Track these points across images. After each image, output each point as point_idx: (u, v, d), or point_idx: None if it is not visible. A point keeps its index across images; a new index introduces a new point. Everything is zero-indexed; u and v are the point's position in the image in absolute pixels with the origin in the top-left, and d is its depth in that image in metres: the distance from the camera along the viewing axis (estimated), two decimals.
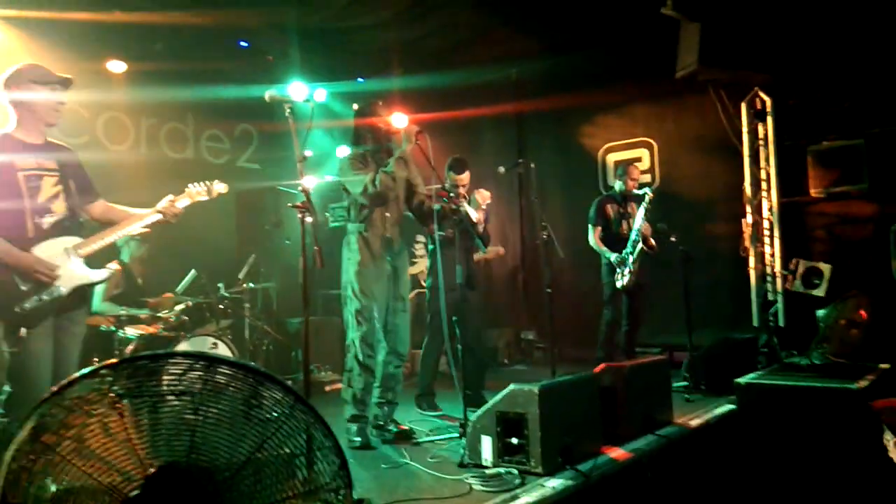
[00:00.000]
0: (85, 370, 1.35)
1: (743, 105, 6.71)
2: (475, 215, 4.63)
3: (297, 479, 1.42)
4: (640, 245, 5.61)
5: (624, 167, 6.07)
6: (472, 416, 3.47)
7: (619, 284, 5.73)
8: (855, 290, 5.15)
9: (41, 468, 1.31)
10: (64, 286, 3.02)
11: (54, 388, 1.34)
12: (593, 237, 5.88)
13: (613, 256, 5.69)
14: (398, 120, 4.07)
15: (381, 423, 4.12)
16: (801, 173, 6.42)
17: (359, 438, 3.93)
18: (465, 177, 4.95)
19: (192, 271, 5.70)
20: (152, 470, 1.35)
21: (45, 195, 3.06)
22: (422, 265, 6.55)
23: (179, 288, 5.60)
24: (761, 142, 6.73)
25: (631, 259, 5.63)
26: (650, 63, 6.78)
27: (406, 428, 4.12)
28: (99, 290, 5.21)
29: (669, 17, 5.69)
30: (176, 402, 1.34)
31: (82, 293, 3.15)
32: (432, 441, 4.00)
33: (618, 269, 5.72)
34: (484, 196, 4.71)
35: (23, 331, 2.88)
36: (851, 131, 6.17)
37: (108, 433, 1.33)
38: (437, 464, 3.47)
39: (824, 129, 6.32)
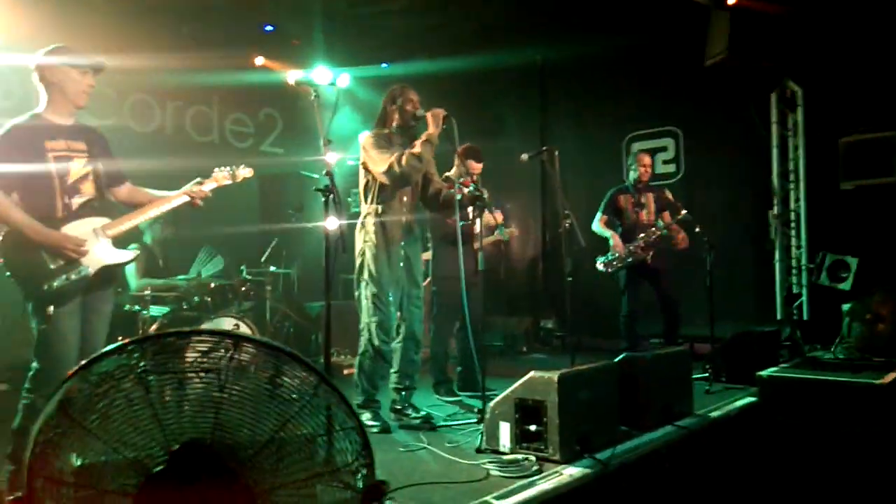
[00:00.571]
0: (112, 346, 1.37)
1: (772, 95, 6.61)
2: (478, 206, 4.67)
3: (319, 458, 1.43)
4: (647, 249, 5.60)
5: (634, 156, 6.03)
6: (489, 403, 3.48)
7: (599, 266, 5.75)
8: (882, 284, 5.06)
9: (67, 442, 1.34)
10: (91, 266, 3.07)
11: (82, 363, 1.36)
12: (597, 222, 5.89)
13: (612, 240, 5.68)
14: (425, 105, 4.07)
15: (399, 407, 4.13)
16: (831, 165, 6.31)
17: (376, 423, 3.93)
18: (481, 166, 4.93)
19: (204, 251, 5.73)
20: (176, 446, 1.37)
21: (75, 176, 3.11)
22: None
23: (201, 270, 5.64)
24: (790, 132, 6.63)
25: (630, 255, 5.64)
26: (678, 51, 6.69)
27: (424, 413, 4.14)
28: (131, 269, 5.29)
29: (699, 4, 5.61)
30: (201, 380, 1.36)
31: (109, 273, 3.19)
32: (450, 426, 4.02)
33: (609, 253, 5.71)
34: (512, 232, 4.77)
35: (50, 309, 2.93)
36: (884, 123, 6.06)
37: (134, 409, 1.36)
38: (455, 449, 3.48)
39: (855, 121, 6.20)
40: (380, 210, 4.00)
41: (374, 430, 3.88)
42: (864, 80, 6.03)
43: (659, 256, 5.68)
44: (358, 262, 4.06)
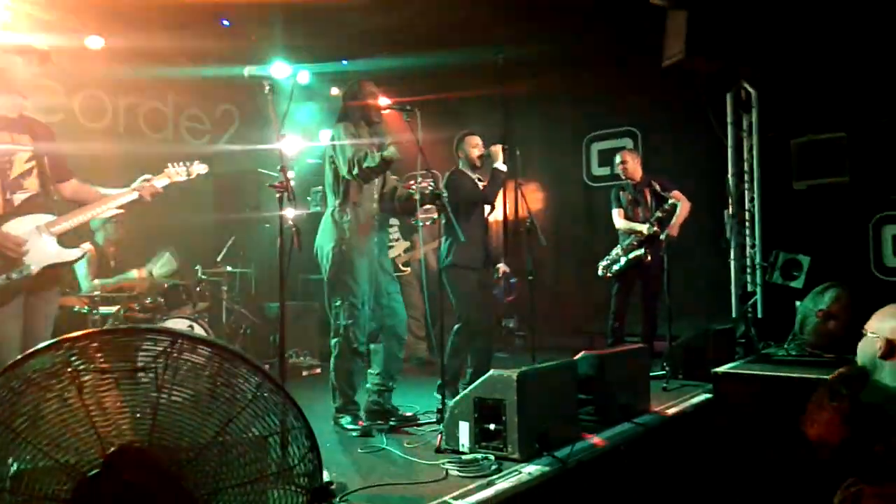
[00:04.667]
0: (44, 343, 1.30)
1: (728, 96, 6.72)
2: (504, 167, 4.64)
3: (265, 461, 1.38)
4: (639, 250, 5.58)
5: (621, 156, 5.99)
6: (450, 402, 3.46)
7: (599, 271, 5.74)
8: (833, 282, 5.17)
9: None
10: (34, 265, 2.95)
11: (10, 362, 1.29)
12: (618, 218, 5.79)
13: (645, 227, 5.55)
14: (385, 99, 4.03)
15: (378, 409, 4.00)
16: (784, 165, 6.45)
17: (356, 427, 3.81)
18: (477, 139, 4.81)
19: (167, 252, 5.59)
20: (112, 449, 1.30)
21: (18, 171, 2.99)
22: (398, 248, 6.53)
23: (153, 269, 5.48)
24: (745, 133, 6.75)
25: (626, 255, 5.63)
26: (637, 51, 6.75)
27: (409, 414, 4.04)
28: (82, 270, 5.13)
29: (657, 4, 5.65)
30: (139, 379, 1.30)
31: (54, 273, 3.08)
32: (410, 426, 3.97)
33: (613, 253, 5.71)
34: (496, 148, 4.65)
35: None
36: (834, 124, 6.20)
37: (68, 409, 1.29)
38: (415, 449, 3.45)
39: (808, 122, 6.34)
40: (353, 205, 3.90)
41: (355, 433, 3.78)
42: (816, 83, 6.17)
43: (656, 257, 5.57)
44: (329, 261, 3.91)
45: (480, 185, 4.72)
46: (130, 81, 6.64)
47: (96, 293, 4.98)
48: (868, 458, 1.81)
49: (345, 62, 7.74)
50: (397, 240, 6.58)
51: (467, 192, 4.53)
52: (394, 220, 6.46)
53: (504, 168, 4.66)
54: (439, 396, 4.52)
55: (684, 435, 4.09)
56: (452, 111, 8.06)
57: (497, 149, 4.66)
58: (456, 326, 4.56)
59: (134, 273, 5.30)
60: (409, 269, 6.58)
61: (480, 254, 4.65)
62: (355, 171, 3.77)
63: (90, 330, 1.30)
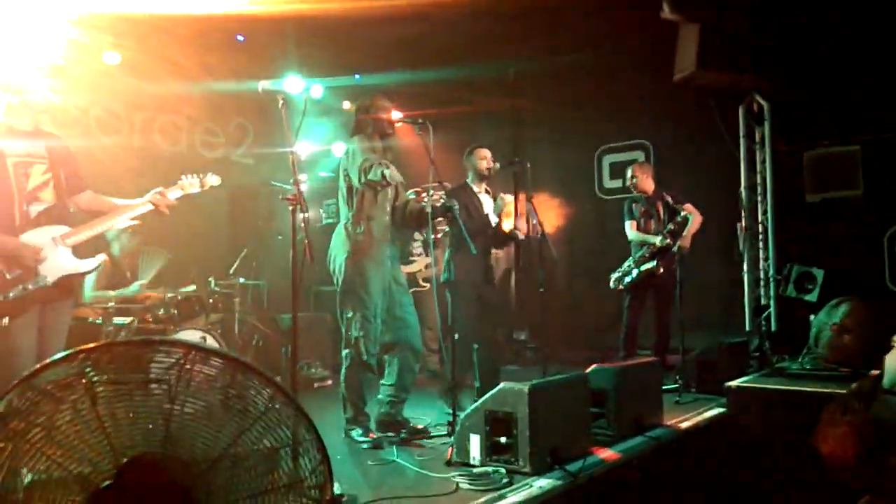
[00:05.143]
0: (58, 355, 1.31)
1: (740, 109, 6.70)
2: (494, 219, 4.71)
3: (276, 473, 1.39)
4: (651, 262, 5.55)
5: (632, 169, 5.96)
6: (461, 415, 3.45)
7: (611, 283, 5.72)
8: (848, 295, 5.13)
9: (9, 455, 1.27)
10: (50, 276, 2.99)
11: (26, 373, 1.31)
12: (630, 230, 5.76)
13: (658, 239, 5.51)
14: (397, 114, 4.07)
15: (389, 420, 3.99)
16: (797, 178, 6.42)
17: (367, 439, 3.80)
18: (486, 152, 4.84)
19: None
20: (125, 460, 1.31)
21: (34, 183, 3.04)
22: (420, 264, 6.53)
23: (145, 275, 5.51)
24: (757, 146, 6.73)
25: (638, 267, 5.60)
26: (648, 64, 6.76)
27: (420, 426, 4.03)
28: (89, 279, 5.17)
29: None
30: (152, 391, 1.31)
31: (69, 284, 3.11)
32: (422, 438, 3.96)
33: (625, 265, 5.68)
34: (505, 201, 4.75)
35: (5, 320, 2.84)
36: (848, 137, 6.17)
37: (81, 421, 1.30)
38: (425, 461, 3.44)
39: (821, 135, 6.32)
40: (368, 217, 3.92)
41: (365, 445, 3.78)
42: (829, 95, 6.14)
43: (668, 269, 5.52)
44: (341, 272, 3.93)
45: (485, 203, 4.75)
46: (146, 96, 6.70)
47: (110, 304, 5.01)
48: (882, 474, 1.79)
49: (358, 77, 7.79)
50: (420, 255, 6.58)
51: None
52: (417, 235, 6.48)
53: (493, 221, 4.75)
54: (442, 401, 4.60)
55: (697, 449, 4.06)
56: (464, 125, 8.08)
57: (509, 207, 4.73)
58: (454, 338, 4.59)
59: (135, 286, 5.31)
60: (428, 284, 6.57)
61: (480, 268, 4.66)
62: (363, 180, 3.80)
63: (104, 341, 1.32)
